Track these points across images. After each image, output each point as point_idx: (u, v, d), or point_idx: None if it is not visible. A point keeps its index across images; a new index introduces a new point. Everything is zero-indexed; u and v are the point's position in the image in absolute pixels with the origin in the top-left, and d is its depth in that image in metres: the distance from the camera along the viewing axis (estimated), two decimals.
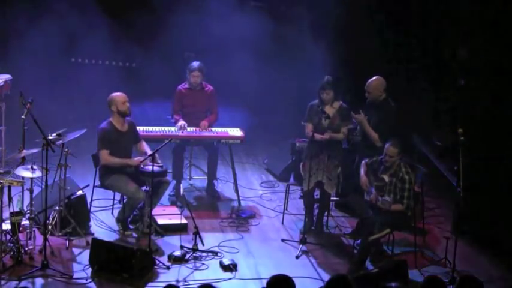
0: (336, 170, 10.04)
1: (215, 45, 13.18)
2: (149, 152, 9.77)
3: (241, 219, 10.53)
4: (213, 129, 10.87)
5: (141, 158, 9.76)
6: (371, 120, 9.98)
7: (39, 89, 12.12)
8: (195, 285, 8.61)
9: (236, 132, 10.91)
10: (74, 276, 8.82)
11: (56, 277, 8.75)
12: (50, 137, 9.14)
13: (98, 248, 8.97)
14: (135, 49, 14.25)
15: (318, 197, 10.30)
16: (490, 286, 9.05)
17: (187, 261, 9.31)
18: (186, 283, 8.84)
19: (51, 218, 9.49)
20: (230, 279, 9.07)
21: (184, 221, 9.97)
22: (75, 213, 9.70)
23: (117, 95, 9.96)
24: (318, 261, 9.56)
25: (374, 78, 10.06)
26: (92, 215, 10.15)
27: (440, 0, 12.14)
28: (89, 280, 8.78)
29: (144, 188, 9.74)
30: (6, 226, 8.99)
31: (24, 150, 9.29)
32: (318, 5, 13.30)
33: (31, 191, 9.40)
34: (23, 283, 8.58)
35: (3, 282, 8.59)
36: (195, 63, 10.96)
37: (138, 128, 10.28)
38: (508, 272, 9.51)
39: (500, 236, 9.91)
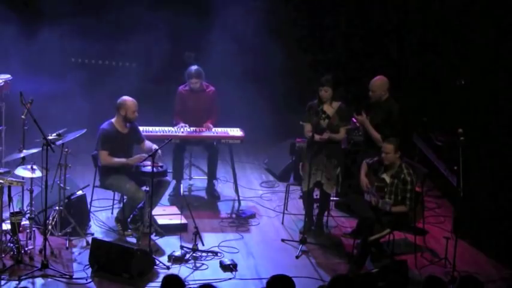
0: (335, 170, 10.03)
1: (215, 44, 13.18)
2: (154, 147, 9.73)
3: (241, 219, 10.52)
4: (213, 129, 10.86)
5: (142, 156, 9.72)
6: (373, 120, 9.96)
7: (39, 89, 12.13)
8: (195, 285, 8.60)
9: (236, 132, 10.90)
10: (74, 276, 8.83)
11: (56, 277, 8.76)
12: (50, 137, 9.14)
13: (98, 248, 8.98)
14: (134, 49, 14.24)
15: (318, 197, 10.30)
16: (490, 286, 9.06)
17: (187, 261, 9.31)
18: (186, 283, 8.82)
19: (51, 218, 9.49)
20: (230, 279, 9.07)
21: (184, 221, 9.97)
22: (75, 213, 9.70)
23: (130, 101, 9.83)
24: (318, 261, 9.56)
25: (378, 77, 10.03)
26: (92, 215, 10.15)
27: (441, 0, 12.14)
28: (89, 280, 8.78)
29: (144, 188, 9.74)
30: (6, 226, 8.99)
31: (24, 150, 9.29)
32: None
33: (31, 191, 9.41)
34: (23, 283, 8.59)
35: (3, 282, 8.59)
36: (193, 69, 10.83)
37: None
38: (507, 272, 9.51)
39: (499, 236, 9.91)
